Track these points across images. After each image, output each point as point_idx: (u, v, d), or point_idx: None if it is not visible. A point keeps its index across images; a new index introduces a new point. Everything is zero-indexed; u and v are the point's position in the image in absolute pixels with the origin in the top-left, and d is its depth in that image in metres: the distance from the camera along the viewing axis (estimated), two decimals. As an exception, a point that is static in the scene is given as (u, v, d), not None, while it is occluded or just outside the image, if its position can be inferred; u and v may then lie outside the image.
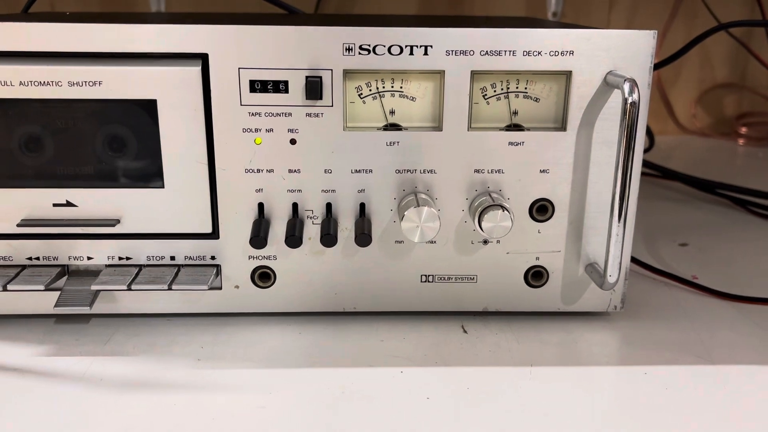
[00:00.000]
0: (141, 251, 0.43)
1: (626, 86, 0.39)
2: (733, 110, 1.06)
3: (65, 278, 0.43)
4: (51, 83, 0.40)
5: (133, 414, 0.36)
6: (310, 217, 0.43)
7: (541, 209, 0.43)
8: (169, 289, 0.41)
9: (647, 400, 0.38)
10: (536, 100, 0.42)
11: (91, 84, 0.40)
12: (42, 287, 0.41)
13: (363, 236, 0.42)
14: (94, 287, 0.41)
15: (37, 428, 0.35)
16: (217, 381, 0.39)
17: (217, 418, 0.36)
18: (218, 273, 0.44)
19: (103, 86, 0.40)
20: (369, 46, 0.40)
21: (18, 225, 0.42)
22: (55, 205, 0.42)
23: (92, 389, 0.38)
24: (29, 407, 0.36)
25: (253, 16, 0.64)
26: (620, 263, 0.42)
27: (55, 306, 0.41)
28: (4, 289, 0.41)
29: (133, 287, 0.41)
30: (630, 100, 0.38)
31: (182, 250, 0.44)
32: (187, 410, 0.36)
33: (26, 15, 0.60)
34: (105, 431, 0.34)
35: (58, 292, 0.43)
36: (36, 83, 0.40)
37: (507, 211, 0.41)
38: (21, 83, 0.40)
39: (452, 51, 0.40)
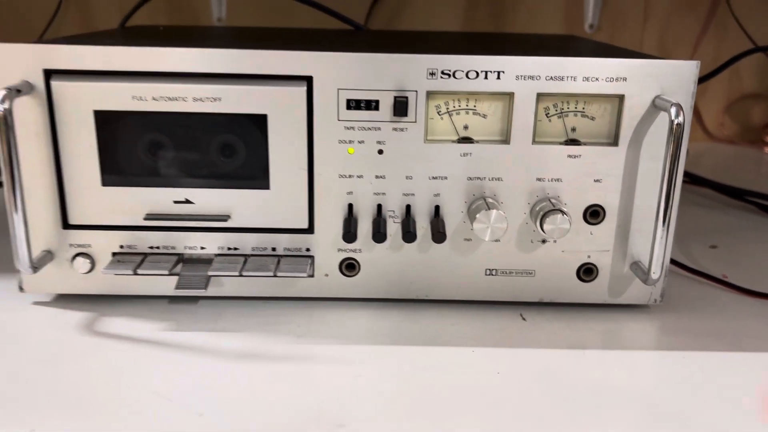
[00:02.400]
0: (246, 243, 0.50)
1: (673, 110, 0.45)
2: (760, 119, 1.11)
3: (180, 265, 0.50)
4: (178, 99, 0.47)
5: (250, 379, 0.43)
6: (392, 217, 0.50)
7: (594, 214, 0.50)
8: (275, 276, 0.49)
9: (685, 378, 0.44)
10: (592, 118, 0.48)
11: (211, 100, 0.47)
12: (166, 272, 0.49)
13: (439, 234, 0.49)
14: (210, 273, 0.49)
15: (175, 389, 0.42)
16: (316, 354, 0.46)
17: (321, 384, 0.43)
18: (312, 263, 0.51)
19: (222, 102, 0.47)
20: (450, 71, 0.47)
21: (144, 219, 0.49)
22: (175, 202, 0.49)
23: (212, 359, 0.45)
24: (163, 372, 0.43)
25: (328, 32, 0.71)
26: (662, 262, 0.48)
27: (176, 288, 0.49)
28: (135, 273, 0.48)
29: (243, 274, 0.49)
30: (676, 122, 0.45)
31: (281, 242, 0.51)
32: (295, 377, 0.43)
33: (150, 35, 0.67)
34: (230, 392, 0.42)
35: (175, 277, 0.50)
36: (165, 98, 0.47)
37: (566, 215, 0.48)
38: (153, 98, 0.47)
39: (521, 76, 0.47)
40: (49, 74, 0.47)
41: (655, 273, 0.48)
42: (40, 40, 0.51)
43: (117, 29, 0.71)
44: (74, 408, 0.40)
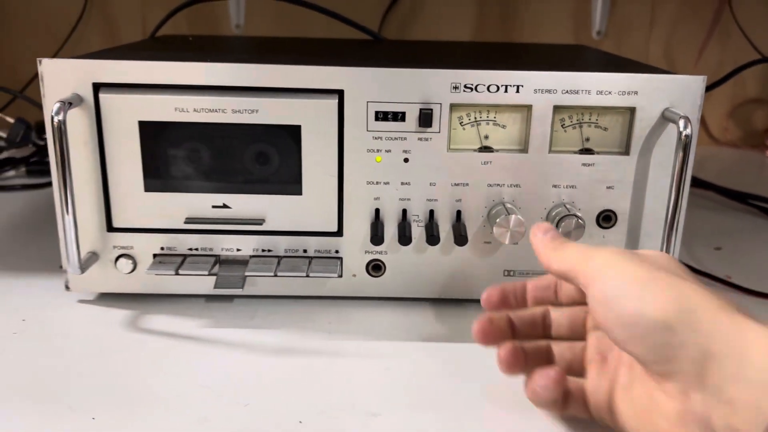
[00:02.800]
0: (279, 245, 0.54)
1: (681, 122, 0.48)
2: (762, 124, 1.15)
3: (218, 265, 0.54)
4: (218, 110, 0.50)
5: (287, 372, 0.46)
6: (416, 221, 0.53)
7: (606, 218, 0.53)
8: (307, 276, 0.52)
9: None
10: (605, 129, 0.52)
11: (249, 111, 0.50)
12: (206, 272, 0.52)
13: (461, 237, 0.52)
14: (247, 274, 0.52)
15: (219, 381, 0.45)
16: (347, 349, 0.49)
17: (353, 376, 0.46)
18: (341, 264, 0.54)
19: (259, 113, 0.50)
20: (472, 85, 0.50)
21: (185, 222, 0.53)
22: (213, 206, 0.53)
23: (250, 353, 0.48)
24: (206, 366, 0.47)
25: (349, 43, 0.74)
26: (670, 264, 0.51)
27: (215, 287, 0.52)
28: (176, 273, 0.52)
29: (278, 274, 0.52)
30: (684, 134, 0.48)
31: (312, 244, 0.54)
32: (329, 370, 0.47)
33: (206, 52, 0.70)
34: (270, 384, 0.45)
35: (212, 277, 0.53)
36: (206, 110, 0.50)
37: (580, 219, 0.51)
38: (194, 110, 0.50)
39: (539, 89, 0.50)
40: (97, 87, 0.50)
41: (664, 274, 0.51)
42: (89, 54, 0.54)
43: (148, 39, 0.74)
44: (128, 400, 0.43)
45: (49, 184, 0.84)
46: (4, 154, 0.92)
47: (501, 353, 0.41)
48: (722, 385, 0.31)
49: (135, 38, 1.09)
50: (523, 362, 0.41)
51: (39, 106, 0.92)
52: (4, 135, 0.96)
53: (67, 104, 0.48)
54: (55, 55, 1.07)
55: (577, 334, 0.42)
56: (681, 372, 0.32)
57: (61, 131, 0.48)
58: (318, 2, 0.76)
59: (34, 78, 1.06)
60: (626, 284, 0.34)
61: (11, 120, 0.95)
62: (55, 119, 0.47)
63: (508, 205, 0.52)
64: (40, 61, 0.49)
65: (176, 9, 0.75)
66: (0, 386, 0.44)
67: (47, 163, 0.89)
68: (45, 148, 0.90)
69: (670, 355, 0.32)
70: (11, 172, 0.87)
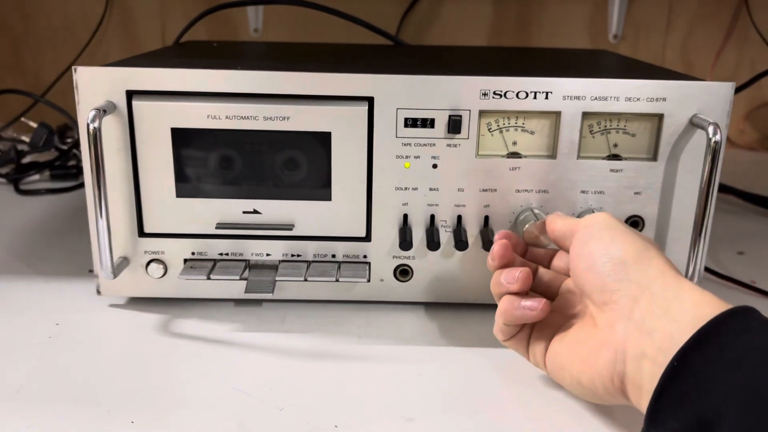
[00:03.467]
0: (308, 250, 0.54)
1: (711, 129, 0.48)
2: (780, 127, 1.15)
3: (248, 270, 0.54)
4: (249, 117, 0.51)
5: (320, 376, 0.47)
6: (444, 226, 0.54)
7: (634, 224, 0.53)
8: (336, 281, 0.52)
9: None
10: (633, 135, 0.52)
11: (281, 119, 0.51)
12: (237, 277, 0.52)
13: (489, 243, 0.52)
14: (278, 278, 0.52)
15: (253, 385, 0.45)
16: (378, 354, 0.50)
17: (386, 380, 0.46)
18: (369, 269, 0.54)
19: (290, 121, 0.51)
20: (501, 91, 0.51)
21: (216, 227, 0.53)
22: (244, 212, 0.53)
23: (282, 357, 0.49)
24: (239, 370, 0.47)
25: (373, 48, 0.74)
26: (698, 269, 0.51)
27: (246, 291, 0.52)
28: (208, 278, 0.52)
29: (308, 279, 0.52)
30: (714, 140, 0.48)
31: (341, 249, 0.54)
32: (361, 374, 0.47)
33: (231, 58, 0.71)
34: (303, 389, 0.45)
35: (242, 282, 0.54)
36: (238, 117, 0.51)
37: (608, 225, 0.51)
38: (227, 117, 0.51)
39: (568, 96, 0.50)
40: (130, 95, 0.51)
41: (694, 279, 0.51)
42: (122, 62, 0.55)
43: (173, 46, 0.75)
44: (165, 404, 0.44)
45: (73, 188, 0.85)
46: (28, 159, 0.93)
47: (496, 247, 0.46)
48: (646, 317, 0.37)
49: (155, 43, 1.10)
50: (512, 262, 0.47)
51: (61, 110, 0.94)
52: (27, 139, 0.97)
53: (102, 112, 0.49)
54: (76, 60, 1.08)
55: (550, 294, 0.47)
56: (617, 302, 0.38)
57: (96, 138, 0.48)
58: (335, 6, 0.77)
59: (56, 82, 1.07)
60: (603, 231, 0.41)
61: (34, 125, 0.96)
62: (91, 127, 0.48)
63: (537, 211, 0.52)
64: (75, 70, 0.50)
65: (200, 15, 0.76)
66: (41, 390, 0.44)
67: (70, 168, 0.90)
68: (68, 152, 0.91)
69: (614, 287, 0.39)
70: (35, 176, 0.88)
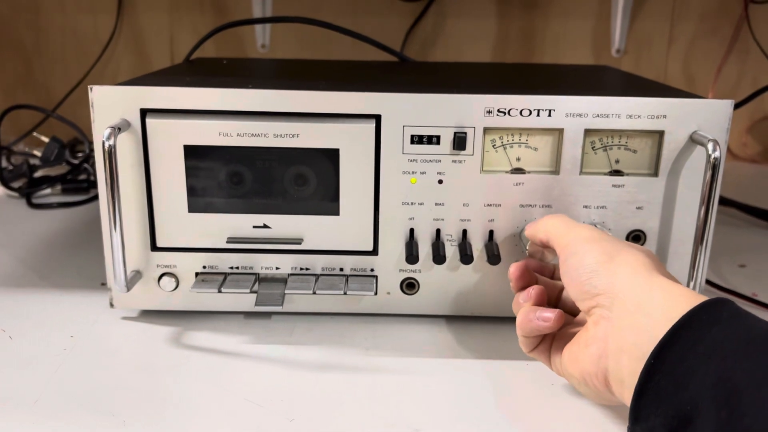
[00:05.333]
0: (317, 263, 0.55)
1: (710, 145, 0.49)
2: (781, 140, 1.16)
3: (258, 283, 0.56)
4: (260, 135, 0.52)
5: (329, 387, 0.48)
6: (449, 240, 0.55)
7: (635, 238, 0.54)
8: (344, 294, 0.53)
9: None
10: (634, 151, 0.53)
11: (290, 136, 0.52)
12: (247, 290, 0.54)
13: (494, 257, 0.53)
14: (287, 291, 0.54)
15: (264, 397, 0.47)
16: (385, 366, 0.51)
17: (394, 392, 0.47)
18: (376, 282, 0.56)
19: (300, 138, 0.52)
20: (505, 109, 0.52)
21: (227, 242, 0.55)
22: (254, 226, 0.55)
23: (292, 369, 0.50)
24: (250, 381, 0.48)
25: (379, 65, 0.76)
26: (699, 282, 0.52)
27: (256, 305, 0.54)
28: (219, 291, 0.54)
29: (317, 292, 0.54)
30: (713, 156, 0.49)
31: (348, 263, 0.55)
32: (370, 386, 0.48)
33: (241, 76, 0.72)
34: (314, 400, 0.46)
35: (252, 295, 0.55)
36: (249, 134, 0.52)
37: (610, 239, 0.52)
38: (238, 134, 0.52)
39: (571, 113, 0.52)
40: (144, 113, 0.52)
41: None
42: (135, 80, 0.56)
43: (184, 63, 0.77)
44: (179, 415, 0.45)
45: (85, 201, 0.87)
46: (40, 173, 0.94)
47: (512, 269, 0.49)
48: (622, 315, 0.39)
49: (164, 58, 1.11)
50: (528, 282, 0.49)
51: (72, 125, 0.95)
52: (38, 154, 0.98)
53: (117, 129, 0.50)
54: (86, 75, 1.10)
55: (573, 307, 0.49)
56: (598, 305, 0.41)
57: (111, 155, 0.50)
58: (340, 21, 0.78)
59: (67, 97, 1.09)
60: (579, 245, 0.44)
61: (45, 139, 0.98)
62: (106, 144, 0.49)
63: (540, 225, 0.53)
64: (91, 89, 0.51)
65: (210, 34, 0.77)
66: (59, 401, 0.46)
67: (82, 181, 0.91)
68: (79, 166, 0.93)
69: (593, 292, 0.41)
70: (47, 190, 0.90)
